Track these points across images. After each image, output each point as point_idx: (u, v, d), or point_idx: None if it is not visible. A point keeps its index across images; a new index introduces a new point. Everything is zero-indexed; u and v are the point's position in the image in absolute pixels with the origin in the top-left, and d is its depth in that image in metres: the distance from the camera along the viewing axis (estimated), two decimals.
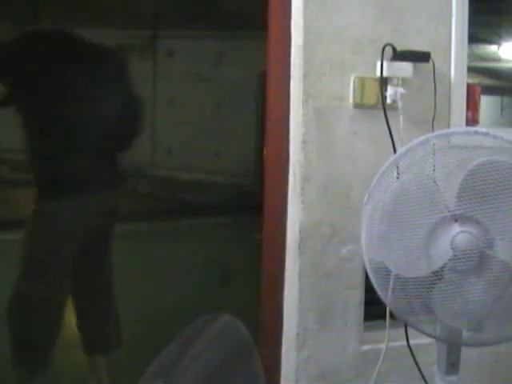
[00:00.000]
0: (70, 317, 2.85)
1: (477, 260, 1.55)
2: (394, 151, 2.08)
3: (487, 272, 1.56)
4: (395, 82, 2.19)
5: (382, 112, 2.15)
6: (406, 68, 2.18)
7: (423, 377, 2.15)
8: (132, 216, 8.70)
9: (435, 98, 2.24)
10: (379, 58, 2.16)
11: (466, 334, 1.71)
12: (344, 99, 2.20)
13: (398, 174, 1.64)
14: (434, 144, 1.61)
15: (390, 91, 2.19)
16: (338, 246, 2.23)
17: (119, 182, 2.89)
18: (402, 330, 2.15)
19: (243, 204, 7.89)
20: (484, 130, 1.60)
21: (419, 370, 2.17)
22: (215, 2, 8.25)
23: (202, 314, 1.22)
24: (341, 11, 2.18)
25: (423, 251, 1.57)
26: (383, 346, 2.18)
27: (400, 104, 2.17)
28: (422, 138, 1.63)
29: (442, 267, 1.57)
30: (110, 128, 2.72)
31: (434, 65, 2.22)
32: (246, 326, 1.24)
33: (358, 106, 2.21)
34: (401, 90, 2.18)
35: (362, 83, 2.19)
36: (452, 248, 1.55)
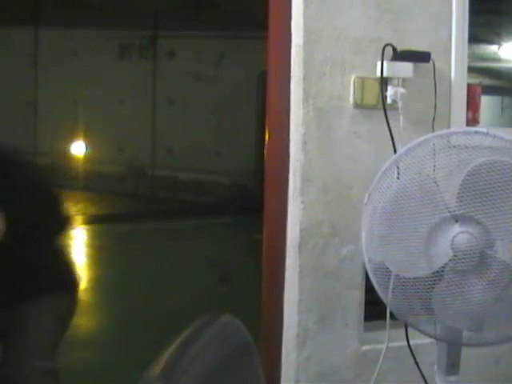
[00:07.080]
0: None
1: (477, 260, 1.55)
2: (395, 151, 2.08)
3: (487, 272, 1.56)
4: (395, 82, 2.19)
5: (382, 112, 2.15)
6: (406, 68, 2.18)
7: (423, 377, 2.15)
8: (132, 216, 8.72)
9: (435, 98, 2.24)
10: (379, 57, 2.16)
11: (466, 334, 1.71)
12: (344, 99, 2.20)
13: (399, 174, 1.64)
14: (434, 144, 1.61)
15: (390, 91, 2.19)
16: (338, 246, 2.23)
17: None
18: (402, 330, 2.15)
19: (243, 204, 7.91)
20: (484, 130, 1.60)
21: (419, 369, 2.17)
22: (215, 2, 8.25)
23: (202, 315, 1.22)
24: (341, 11, 2.18)
25: (423, 251, 1.57)
26: (383, 346, 2.17)
27: (400, 104, 2.17)
28: (422, 138, 1.63)
29: (443, 267, 1.57)
30: None
31: (434, 65, 2.22)
32: (246, 326, 1.24)
33: (358, 106, 2.20)
34: (401, 90, 2.18)
35: (362, 83, 2.19)
36: (452, 248, 1.55)
